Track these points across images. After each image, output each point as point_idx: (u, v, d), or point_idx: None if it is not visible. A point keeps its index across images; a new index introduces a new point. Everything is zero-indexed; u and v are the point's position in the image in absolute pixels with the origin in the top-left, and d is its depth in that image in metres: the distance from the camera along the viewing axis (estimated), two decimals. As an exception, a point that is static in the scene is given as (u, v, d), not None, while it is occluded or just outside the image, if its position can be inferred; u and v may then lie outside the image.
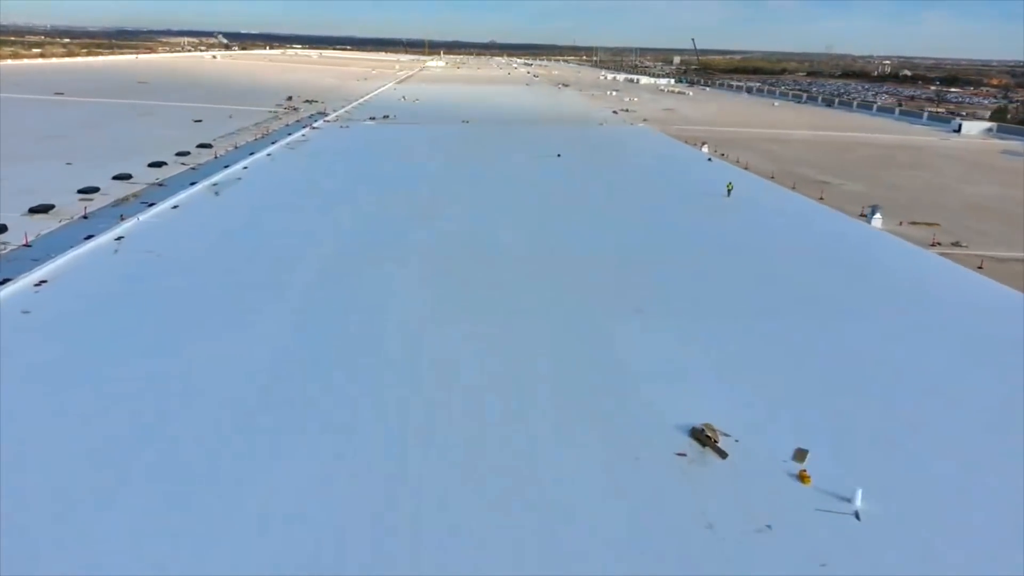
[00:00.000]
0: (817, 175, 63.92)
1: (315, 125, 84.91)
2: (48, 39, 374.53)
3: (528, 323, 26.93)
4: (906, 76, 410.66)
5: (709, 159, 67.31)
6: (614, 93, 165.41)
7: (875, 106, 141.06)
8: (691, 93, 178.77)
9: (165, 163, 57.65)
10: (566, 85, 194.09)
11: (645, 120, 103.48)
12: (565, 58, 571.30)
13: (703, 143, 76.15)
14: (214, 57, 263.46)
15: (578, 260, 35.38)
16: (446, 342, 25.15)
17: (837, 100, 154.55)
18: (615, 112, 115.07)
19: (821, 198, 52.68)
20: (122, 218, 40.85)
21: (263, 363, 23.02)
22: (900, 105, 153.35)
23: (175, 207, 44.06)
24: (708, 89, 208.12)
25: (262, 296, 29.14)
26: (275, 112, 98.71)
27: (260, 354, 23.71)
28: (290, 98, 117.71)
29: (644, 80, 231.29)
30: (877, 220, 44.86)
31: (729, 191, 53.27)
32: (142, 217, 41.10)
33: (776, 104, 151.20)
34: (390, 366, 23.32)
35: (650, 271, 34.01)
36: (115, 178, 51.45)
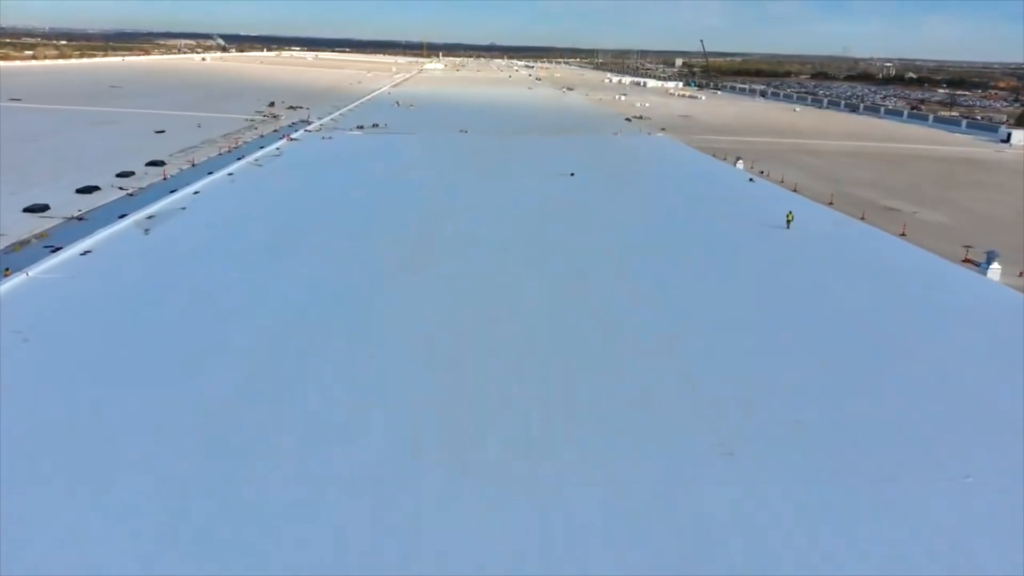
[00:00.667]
0: (882, 199, 53.88)
1: (293, 136, 74.81)
2: (45, 41, 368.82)
3: (554, 468, 16.79)
4: (911, 79, 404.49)
5: (751, 179, 57.16)
6: (623, 97, 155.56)
7: (905, 112, 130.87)
8: (703, 97, 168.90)
9: (98, 188, 47.52)
10: (571, 89, 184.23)
11: (663, 129, 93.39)
12: (566, 60, 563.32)
13: (737, 158, 66.02)
14: (203, 59, 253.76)
15: (618, 337, 25.24)
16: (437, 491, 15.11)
17: (862, 105, 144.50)
18: (628, 119, 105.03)
19: (903, 234, 42.57)
20: (7, 272, 30.81)
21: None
22: (914, 109, 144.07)
23: (85, 253, 33.93)
24: (719, 93, 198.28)
25: (179, 385, 19.08)
26: (252, 120, 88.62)
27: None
28: (272, 104, 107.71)
29: (651, 83, 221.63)
30: (995, 271, 34.64)
31: (789, 222, 43.45)
32: (33, 272, 30.93)
33: (797, 109, 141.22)
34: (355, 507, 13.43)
35: (725, 363, 23.78)
36: (27, 210, 41.33)
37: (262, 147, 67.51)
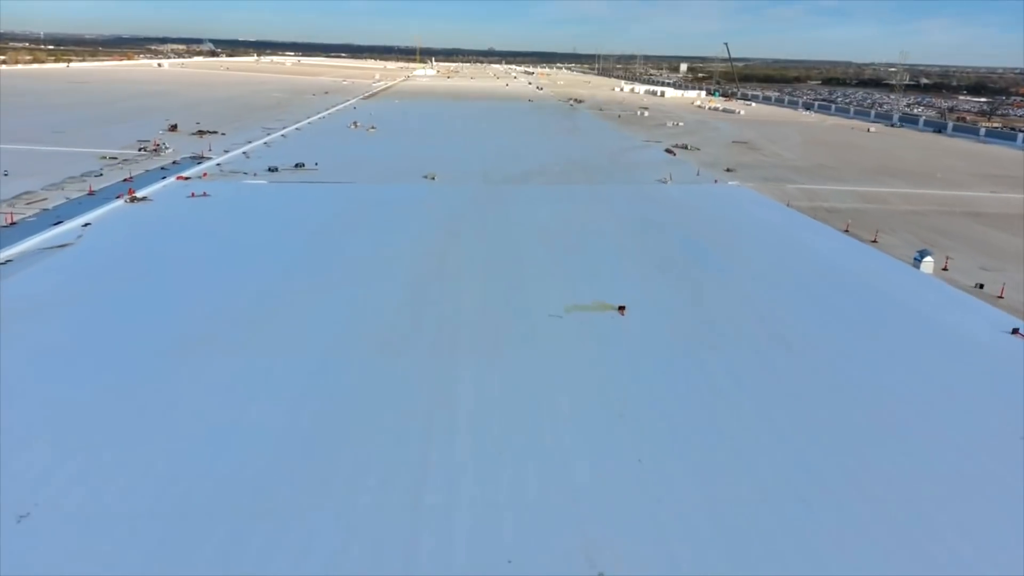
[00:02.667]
0: None
1: (140, 195, 44.70)
2: (33, 46, 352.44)
3: None
4: (927, 85, 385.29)
5: (1015, 330, 26.81)
6: (645, 113, 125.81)
7: (1020, 136, 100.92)
8: (741, 111, 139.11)
9: None
10: (579, 101, 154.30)
11: (729, 170, 63.54)
12: (567, 66, 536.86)
13: (922, 253, 35.56)
14: (159, 65, 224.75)
15: None
16: None
17: (951, 124, 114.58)
18: (670, 151, 74.99)
19: None
20: None
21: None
22: (959, 120, 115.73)
23: None
24: (753, 104, 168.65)
25: None
26: (112, 160, 58.63)
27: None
28: (174, 127, 77.72)
29: (670, 93, 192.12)
30: None
31: None
32: None
33: (872, 129, 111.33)
34: None
35: None
36: None
37: (59, 222, 37.62)
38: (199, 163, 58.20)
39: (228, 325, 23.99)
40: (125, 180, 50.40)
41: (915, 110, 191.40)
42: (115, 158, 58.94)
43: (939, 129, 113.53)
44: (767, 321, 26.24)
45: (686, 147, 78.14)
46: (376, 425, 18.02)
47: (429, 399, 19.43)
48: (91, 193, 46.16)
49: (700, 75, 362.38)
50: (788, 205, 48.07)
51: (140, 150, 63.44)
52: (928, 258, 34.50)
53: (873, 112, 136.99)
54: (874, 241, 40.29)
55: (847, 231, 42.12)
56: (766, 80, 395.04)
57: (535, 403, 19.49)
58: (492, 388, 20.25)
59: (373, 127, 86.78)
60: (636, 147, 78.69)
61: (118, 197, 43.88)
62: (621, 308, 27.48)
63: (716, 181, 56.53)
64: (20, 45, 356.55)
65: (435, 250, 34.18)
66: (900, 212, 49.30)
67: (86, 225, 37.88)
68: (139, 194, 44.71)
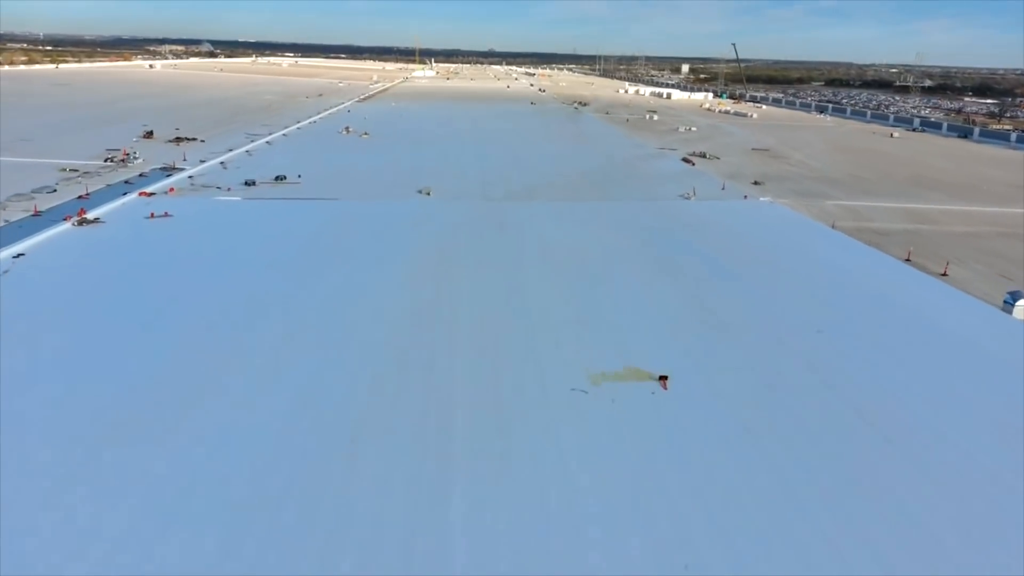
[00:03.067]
0: None
1: (93, 215, 38.95)
2: (31, 47, 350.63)
3: None
4: (932, 87, 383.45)
5: None
6: (654, 117, 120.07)
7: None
8: (754, 115, 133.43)
9: None
10: (584, 103, 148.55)
11: (757, 183, 57.75)
12: (568, 67, 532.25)
13: (1019, 301, 29.58)
14: (151, 67, 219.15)
15: None
16: None
17: (977, 129, 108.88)
18: (687, 160, 69.22)
19: None
20: None
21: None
22: (967, 122, 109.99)
23: None
24: (763, 106, 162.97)
25: None
26: (72, 173, 52.91)
27: None
28: (149, 134, 72.09)
29: (677, 95, 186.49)
30: None
31: None
32: None
33: (895, 134, 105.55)
34: None
35: None
36: None
37: (-13, 253, 31.93)
38: (169, 175, 52.51)
39: (170, 379, 18.14)
40: (80, 197, 44.68)
41: (922, 111, 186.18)
42: (76, 170, 53.17)
43: (964, 134, 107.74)
44: (852, 400, 20.38)
45: (704, 155, 72.37)
46: (340, 545, 12.18)
47: (409, 517, 13.58)
48: (36, 214, 40.42)
49: (702, 76, 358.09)
50: (833, 227, 42.28)
51: (107, 160, 57.72)
52: (1022, 301, 28.67)
53: (892, 116, 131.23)
54: (944, 274, 34.51)
55: (908, 260, 36.32)
56: (769, 81, 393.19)
57: (555, 530, 13.63)
58: (494, 500, 14.39)
59: (366, 133, 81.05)
60: (650, 155, 72.86)
61: (65, 219, 38.22)
62: (663, 378, 21.69)
63: (745, 197, 50.67)
64: (18, 46, 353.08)
65: (425, 293, 28.32)
66: (956, 234, 43.54)
67: (18, 256, 32.23)
68: (91, 215, 39.08)
